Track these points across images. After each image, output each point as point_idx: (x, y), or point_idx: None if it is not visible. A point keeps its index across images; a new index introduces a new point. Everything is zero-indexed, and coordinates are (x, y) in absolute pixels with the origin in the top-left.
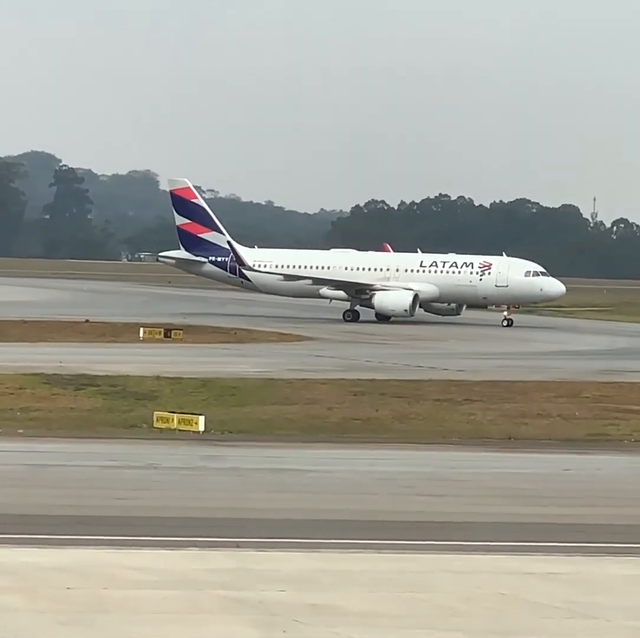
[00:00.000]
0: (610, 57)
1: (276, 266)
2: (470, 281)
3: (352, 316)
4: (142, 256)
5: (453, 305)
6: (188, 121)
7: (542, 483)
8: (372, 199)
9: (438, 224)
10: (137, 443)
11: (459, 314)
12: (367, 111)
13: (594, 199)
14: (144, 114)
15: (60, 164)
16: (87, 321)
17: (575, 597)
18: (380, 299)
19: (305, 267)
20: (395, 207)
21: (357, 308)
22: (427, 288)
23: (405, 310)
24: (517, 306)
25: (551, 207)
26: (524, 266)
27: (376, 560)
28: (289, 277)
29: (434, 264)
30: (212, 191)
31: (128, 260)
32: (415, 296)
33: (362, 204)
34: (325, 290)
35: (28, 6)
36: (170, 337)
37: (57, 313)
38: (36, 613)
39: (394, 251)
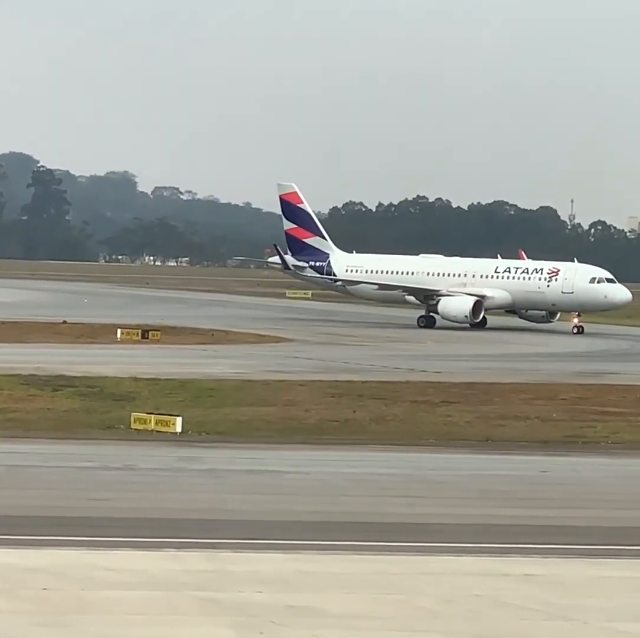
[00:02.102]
0: (589, 59)
1: (366, 272)
2: (539, 287)
3: (426, 322)
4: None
5: (543, 312)
6: (166, 122)
7: (520, 485)
8: (350, 201)
9: (416, 226)
10: (115, 444)
11: (550, 321)
12: (345, 112)
13: (572, 201)
14: (121, 115)
15: (38, 165)
16: (64, 322)
17: (552, 599)
18: (444, 305)
19: (392, 272)
20: (373, 209)
21: (433, 314)
22: (499, 294)
23: (466, 316)
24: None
25: (529, 209)
26: (591, 272)
27: (354, 561)
28: (346, 282)
29: (508, 270)
30: (191, 192)
31: (106, 261)
32: (477, 302)
33: (339, 205)
34: (408, 296)
35: (5, 8)
36: (147, 338)
37: (34, 314)
38: (13, 614)
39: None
